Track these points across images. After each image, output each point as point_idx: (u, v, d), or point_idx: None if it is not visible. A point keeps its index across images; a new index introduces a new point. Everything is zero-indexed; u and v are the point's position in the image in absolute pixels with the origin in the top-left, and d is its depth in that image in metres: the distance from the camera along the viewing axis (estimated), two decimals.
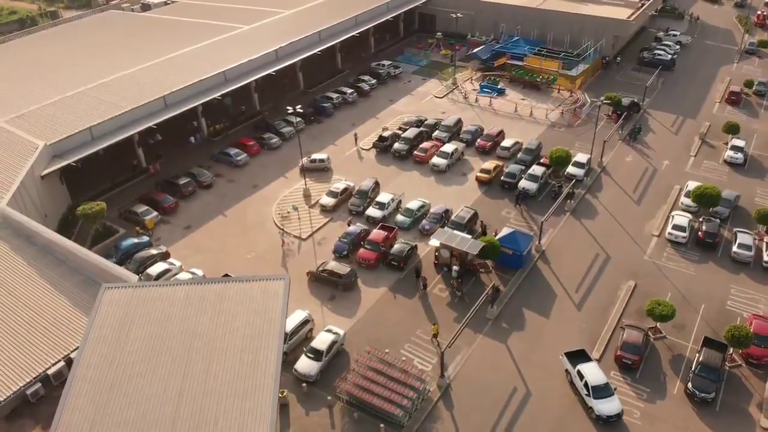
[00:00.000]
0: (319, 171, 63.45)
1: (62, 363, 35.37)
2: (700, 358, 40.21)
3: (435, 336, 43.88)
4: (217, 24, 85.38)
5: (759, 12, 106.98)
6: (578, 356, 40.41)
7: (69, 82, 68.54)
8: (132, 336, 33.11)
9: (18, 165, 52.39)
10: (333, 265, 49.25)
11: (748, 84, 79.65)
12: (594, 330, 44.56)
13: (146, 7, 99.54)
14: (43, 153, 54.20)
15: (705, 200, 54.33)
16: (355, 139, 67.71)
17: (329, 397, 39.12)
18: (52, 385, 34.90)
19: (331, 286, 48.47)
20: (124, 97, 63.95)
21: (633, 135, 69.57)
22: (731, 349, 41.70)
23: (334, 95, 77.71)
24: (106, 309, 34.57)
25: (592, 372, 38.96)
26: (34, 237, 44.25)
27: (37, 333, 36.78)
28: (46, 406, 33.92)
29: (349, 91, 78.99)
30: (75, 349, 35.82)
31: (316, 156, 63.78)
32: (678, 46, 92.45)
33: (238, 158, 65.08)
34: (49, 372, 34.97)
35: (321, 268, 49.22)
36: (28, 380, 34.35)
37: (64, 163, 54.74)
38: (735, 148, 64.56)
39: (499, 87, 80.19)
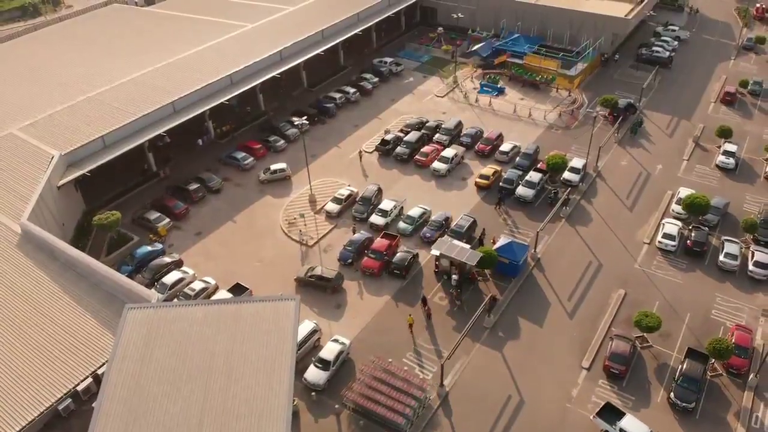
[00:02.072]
0: (280, 180, 64.93)
1: (90, 379, 38.07)
2: (683, 369, 43.01)
3: (410, 326, 47.50)
4: (221, 22, 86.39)
5: (758, 5, 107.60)
6: (609, 412, 40.22)
7: (78, 86, 70.19)
8: (155, 356, 35.74)
9: (35, 176, 54.56)
10: (320, 269, 51.79)
11: (743, 84, 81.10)
12: (585, 339, 47.32)
13: (150, 1, 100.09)
14: (59, 163, 56.24)
15: (695, 209, 56.59)
16: (360, 157, 68.50)
17: (336, 406, 42.06)
18: (82, 400, 37.73)
19: (319, 291, 51.17)
20: (133, 102, 65.69)
21: (634, 129, 71.74)
22: (713, 360, 44.44)
23: (337, 95, 79.31)
24: (130, 329, 37.13)
25: (636, 427, 38.98)
26: (56, 252, 46.67)
27: (65, 350, 39.48)
28: (77, 420, 36.86)
29: (352, 90, 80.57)
30: (101, 366, 38.57)
31: (275, 166, 65.17)
32: (676, 42, 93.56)
33: (245, 162, 67.13)
34: (78, 388, 37.74)
35: (309, 274, 51.70)
36: (59, 396, 37.11)
37: (78, 173, 56.85)
38: (727, 153, 66.52)
39: (499, 86, 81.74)
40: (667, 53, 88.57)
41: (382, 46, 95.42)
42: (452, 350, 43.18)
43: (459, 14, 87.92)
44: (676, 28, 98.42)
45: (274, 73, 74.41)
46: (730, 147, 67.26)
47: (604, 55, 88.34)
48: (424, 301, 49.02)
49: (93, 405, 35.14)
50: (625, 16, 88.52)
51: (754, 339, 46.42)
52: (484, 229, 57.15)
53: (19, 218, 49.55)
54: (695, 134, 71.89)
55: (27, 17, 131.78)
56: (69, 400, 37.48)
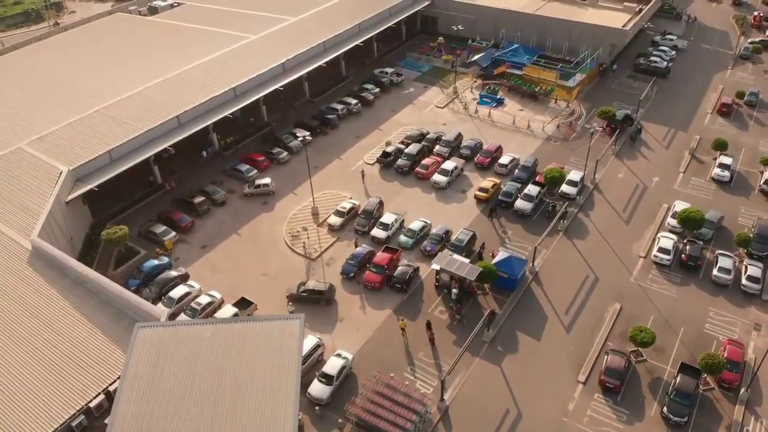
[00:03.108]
0: (264, 195, 66.21)
1: (102, 396, 39.37)
2: (676, 384, 44.30)
3: (403, 330, 49.54)
4: (224, 32, 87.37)
5: (756, 13, 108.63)
6: None
7: (83, 99, 71.25)
8: (165, 374, 37.01)
9: (44, 191, 55.73)
10: (312, 283, 52.98)
11: (740, 95, 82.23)
12: (581, 353, 48.59)
13: (153, 10, 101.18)
14: (67, 178, 57.40)
15: (689, 223, 57.78)
16: (362, 176, 68.61)
17: (340, 420, 43.32)
18: (94, 416, 39.05)
19: (313, 304, 52.26)
20: (139, 116, 66.75)
21: (633, 136, 73.16)
22: (705, 374, 45.68)
23: (339, 106, 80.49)
24: (141, 347, 38.41)
25: None
26: (66, 269, 47.91)
27: (77, 366, 40.76)
28: None
29: (353, 101, 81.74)
30: (113, 382, 39.84)
31: (259, 181, 66.45)
32: (674, 52, 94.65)
33: (249, 174, 68.33)
34: (91, 405, 39.04)
35: (301, 289, 52.77)
36: (72, 413, 38.41)
37: (86, 188, 58.04)
38: (722, 165, 67.68)
39: (498, 97, 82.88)
40: (665, 63, 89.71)
41: (383, 55, 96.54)
42: (452, 366, 44.54)
43: (459, 26, 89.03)
44: (674, 37, 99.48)
45: (277, 86, 75.59)
46: (726, 160, 68.38)
47: (603, 65, 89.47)
48: (429, 326, 49.71)
49: (105, 421, 36.52)
50: (623, 26, 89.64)
51: (746, 353, 47.70)
52: (483, 243, 58.38)
53: (29, 234, 50.74)
54: (691, 146, 73.10)
55: (30, 23, 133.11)
56: (82, 417, 38.76)
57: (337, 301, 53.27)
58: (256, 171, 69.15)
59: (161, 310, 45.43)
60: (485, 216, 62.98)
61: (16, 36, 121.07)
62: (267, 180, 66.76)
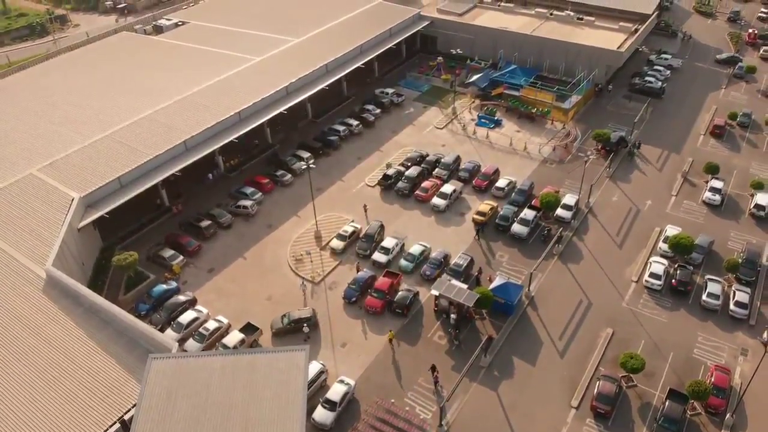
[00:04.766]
0: (245, 216, 68.64)
1: (117, 425, 41.37)
2: (664, 409, 46.31)
3: (391, 340, 52.52)
4: (229, 54, 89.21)
5: (750, 30, 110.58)
6: None
7: (91, 122, 72.99)
8: (178, 405, 38.96)
9: (56, 218, 57.59)
10: (296, 313, 54.72)
11: (732, 116, 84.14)
12: (574, 378, 50.59)
13: (158, 29, 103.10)
14: (78, 205, 59.35)
15: (680, 249, 59.81)
16: (365, 211, 69.07)
17: None
18: None
19: (300, 331, 54.05)
20: (147, 141, 68.63)
21: (632, 151, 75.37)
22: (692, 400, 47.68)
23: (341, 128, 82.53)
24: (154, 379, 40.38)
25: None
26: (80, 298, 49.88)
27: (94, 395, 42.70)
28: None
29: (355, 122, 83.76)
30: (127, 411, 41.81)
31: (241, 202, 68.94)
32: (668, 72, 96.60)
33: (254, 197, 70.32)
34: None
35: (286, 322, 54.26)
36: None
37: (97, 215, 60.01)
38: (713, 189, 69.63)
39: (495, 118, 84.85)
40: (660, 83, 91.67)
41: (383, 74, 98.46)
42: (451, 392, 46.55)
43: (459, 50, 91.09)
44: (669, 56, 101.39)
45: (281, 109, 77.56)
46: (717, 183, 70.29)
47: (598, 86, 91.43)
48: (434, 369, 50.60)
49: None
50: (618, 48, 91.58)
51: (732, 379, 49.68)
52: (480, 268, 60.37)
53: (43, 262, 52.59)
54: (684, 169, 75.04)
55: (35, 36, 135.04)
56: None
57: (319, 326, 55.16)
58: (260, 194, 71.14)
59: (172, 338, 47.29)
60: (482, 239, 64.88)
61: (22, 50, 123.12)
62: (248, 203, 68.88)
